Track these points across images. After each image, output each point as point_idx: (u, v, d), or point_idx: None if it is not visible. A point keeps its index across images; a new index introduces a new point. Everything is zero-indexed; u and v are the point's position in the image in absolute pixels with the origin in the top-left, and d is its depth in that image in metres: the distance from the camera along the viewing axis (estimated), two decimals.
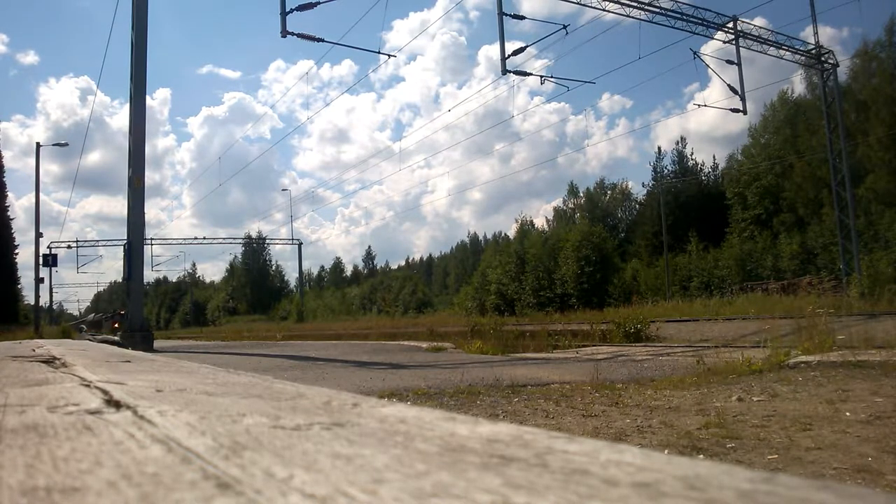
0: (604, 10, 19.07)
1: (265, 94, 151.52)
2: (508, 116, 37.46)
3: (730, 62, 20.64)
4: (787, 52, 22.50)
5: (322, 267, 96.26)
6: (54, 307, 58.81)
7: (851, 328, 6.40)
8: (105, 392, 1.37)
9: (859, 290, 17.66)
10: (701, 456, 2.26)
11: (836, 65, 23.78)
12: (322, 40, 15.46)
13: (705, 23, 20.27)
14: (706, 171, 50.30)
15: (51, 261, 31.58)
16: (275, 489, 0.55)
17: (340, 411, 1.01)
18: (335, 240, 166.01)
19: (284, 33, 14.41)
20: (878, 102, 32.37)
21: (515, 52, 17.08)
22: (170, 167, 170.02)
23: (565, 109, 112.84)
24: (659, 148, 72.09)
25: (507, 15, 17.22)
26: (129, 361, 2.88)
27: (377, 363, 6.95)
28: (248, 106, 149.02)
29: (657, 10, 19.37)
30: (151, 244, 49.15)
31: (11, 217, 43.68)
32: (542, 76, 18.20)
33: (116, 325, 48.31)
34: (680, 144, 50.98)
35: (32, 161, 33.25)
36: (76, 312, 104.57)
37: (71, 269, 74.67)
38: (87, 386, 1.55)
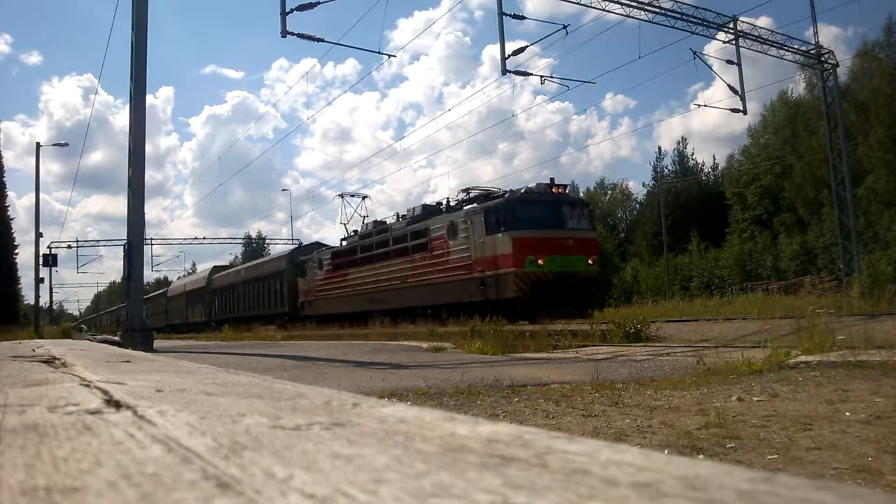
0: (604, 10, 19.07)
1: (268, 94, 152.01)
2: (511, 115, 37.36)
3: (730, 62, 20.67)
4: (788, 53, 22.51)
5: None
6: (54, 307, 56.82)
7: (851, 328, 6.40)
8: (105, 392, 1.37)
9: (859, 291, 17.66)
10: (701, 456, 2.26)
11: (836, 65, 23.78)
12: (322, 40, 15.40)
13: (705, 23, 20.27)
14: (706, 171, 50.36)
15: (51, 261, 31.54)
16: (275, 489, 0.55)
17: (340, 411, 1.01)
18: (336, 240, 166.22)
19: (284, 33, 14.40)
20: (878, 102, 32.38)
21: (516, 52, 16.77)
22: (172, 167, 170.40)
23: (568, 109, 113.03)
24: (659, 148, 72.14)
25: (507, 15, 17.14)
26: (128, 361, 2.88)
27: (377, 363, 6.95)
28: (250, 105, 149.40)
29: (657, 10, 19.36)
30: (152, 244, 47.83)
31: (12, 217, 43.53)
32: (542, 76, 18.08)
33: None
34: (681, 144, 51.01)
35: (34, 161, 32.48)
36: (76, 312, 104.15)
37: (71, 269, 69.20)
38: (87, 386, 1.55)
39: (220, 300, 33.04)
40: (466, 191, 20.15)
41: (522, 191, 17.45)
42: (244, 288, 30.38)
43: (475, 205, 18.09)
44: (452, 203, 19.92)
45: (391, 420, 0.89)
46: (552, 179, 17.54)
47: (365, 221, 25.77)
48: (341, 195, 27.50)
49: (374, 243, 21.79)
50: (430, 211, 20.40)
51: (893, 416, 2.84)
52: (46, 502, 0.54)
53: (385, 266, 20.68)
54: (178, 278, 53.82)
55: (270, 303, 28.35)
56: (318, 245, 28.90)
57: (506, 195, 17.72)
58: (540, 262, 15.06)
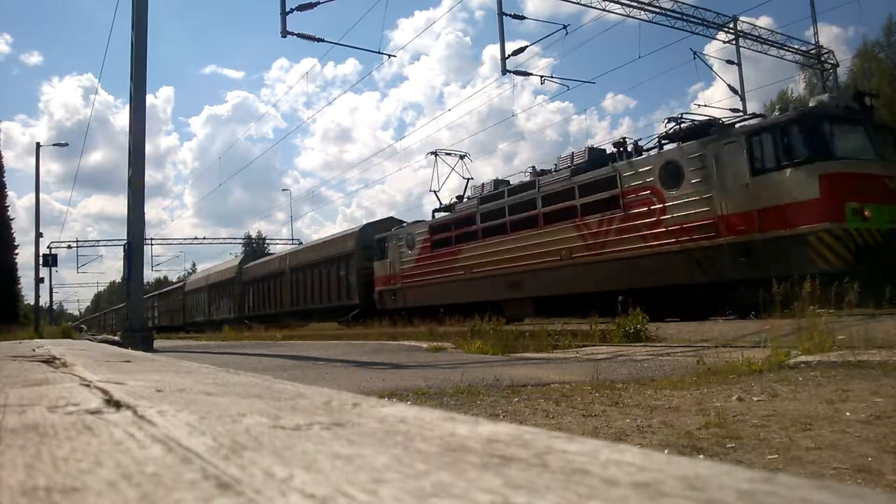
0: (604, 10, 19.09)
1: (268, 94, 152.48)
2: (511, 115, 37.14)
3: (730, 62, 20.70)
4: (788, 53, 22.54)
5: None
6: (54, 307, 56.58)
7: (851, 328, 6.39)
8: (105, 392, 1.37)
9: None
10: (701, 456, 2.26)
11: (836, 65, 23.80)
12: (322, 40, 15.43)
13: (705, 23, 20.29)
14: None
15: (51, 261, 31.58)
16: (275, 489, 0.55)
17: (340, 411, 1.01)
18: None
19: (284, 33, 14.41)
20: (878, 103, 32.37)
21: (515, 52, 16.85)
22: (172, 167, 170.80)
23: (568, 109, 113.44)
24: None
25: (507, 15, 17.18)
26: (129, 361, 2.88)
27: (377, 363, 6.95)
28: (250, 105, 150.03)
29: (657, 10, 19.38)
30: (152, 244, 47.32)
31: (12, 217, 43.49)
32: (542, 76, 18.14)
33: None
34: None
35: (34, 161, 32.33)
36: (76, 312, 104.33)
37: (71, 269, 68.65)
38: (87, 386, 1.55)
39: (257, 293, 27.63)
40: (675, 119, 13.00)
41: (812, 104, 10.79)
42: (292, 277, 24.82)
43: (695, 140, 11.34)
44: (642, 143, 13.44)
45: (391, 420, 0.89)
46: (856, 85, 11.05)
47: (470, 184, 19.79)
48: (434, 153, 21.55)
49: (505, 207, 15.45)
50: (599, 157, 14.04)
51: (893, 416, 2.84)
52: (46, 502, 0.54)
53: (530, 237, 14.48)
54: (180, 277, 51.11)
55: (331, 294, 22.55)
56: (394, 221, 22.51)
57: (771, 116, 11.12)
58: (866, 212, 9.16)
